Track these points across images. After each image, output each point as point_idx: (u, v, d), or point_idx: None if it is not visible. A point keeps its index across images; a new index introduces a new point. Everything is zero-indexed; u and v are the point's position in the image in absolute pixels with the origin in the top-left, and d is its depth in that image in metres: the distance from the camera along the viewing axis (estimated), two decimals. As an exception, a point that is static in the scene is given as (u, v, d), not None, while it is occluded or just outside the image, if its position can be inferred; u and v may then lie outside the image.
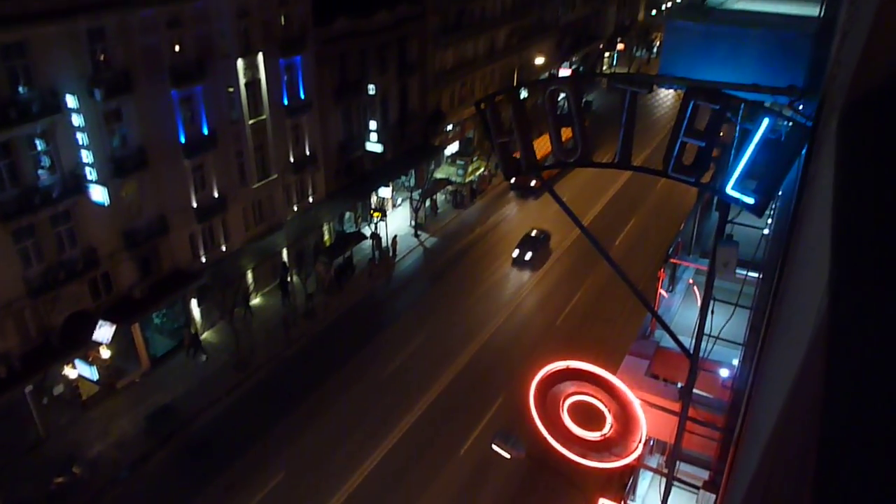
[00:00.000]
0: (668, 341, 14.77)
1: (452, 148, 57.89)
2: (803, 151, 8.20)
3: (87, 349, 31.16)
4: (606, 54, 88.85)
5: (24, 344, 30.00)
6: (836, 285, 2.45)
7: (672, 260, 20.23)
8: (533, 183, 52.75)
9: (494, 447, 17.15)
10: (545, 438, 12.77)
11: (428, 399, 32.62)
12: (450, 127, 56.78)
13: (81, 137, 29.60)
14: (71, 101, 28.77)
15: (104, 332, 30.68)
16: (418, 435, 30.54)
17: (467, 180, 54.82)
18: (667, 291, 20.25)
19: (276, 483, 28.34)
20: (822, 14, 11.62)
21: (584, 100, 10.19)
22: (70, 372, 31.59)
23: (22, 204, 28.48)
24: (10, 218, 28.17)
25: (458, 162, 56.31)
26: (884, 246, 2.41)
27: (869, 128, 3.36)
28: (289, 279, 41.97)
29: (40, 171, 29.46)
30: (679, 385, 12.66)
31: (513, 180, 51.87)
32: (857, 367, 2.06)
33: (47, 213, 29.61)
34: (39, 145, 29.20)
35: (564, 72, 73.00)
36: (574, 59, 78.50)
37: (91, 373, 31.78)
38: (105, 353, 31.53)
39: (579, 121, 9.77)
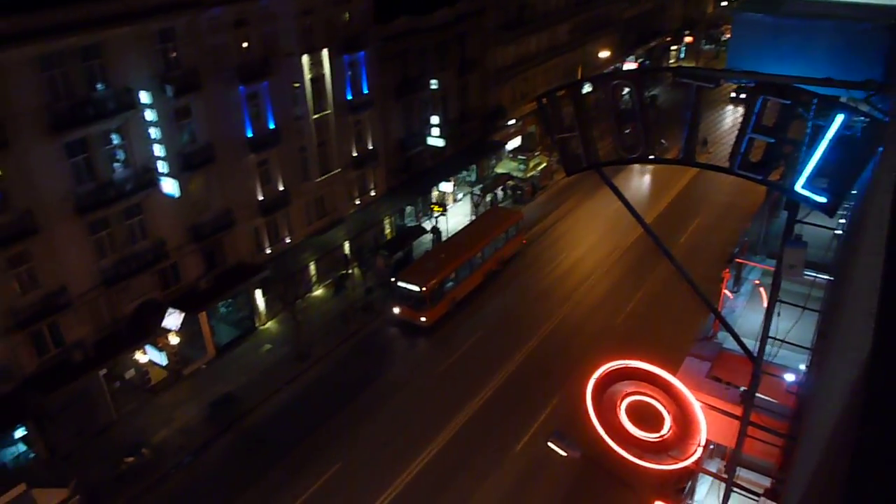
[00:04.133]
0: (731, 343, 14.41)
1: (514, 143, 57.64)
2: (880, 149, 7.87)
3: (156, 336, 32.27)
4: (673, 48, 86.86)
5: (98, 331, 31.32)
6: (886, 294, 2.34)
7: (738, 260, 19.72)
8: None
9: (550, 445, 17.05)
10: (601, 438, 12.62)
11: (485, 394, 32.63)
12: (511, 122, 56.53)
13: (154, 132, 30.68)
14: (144, 97, 29.83)
15: (173, 319, 31.70)
16: (474, 430, 30.58)
17: (528, 175, 54.49)
18: (731, 292, 19.75)
19: (332, 473, 28.81)
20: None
21: (648, 94, 9.96)
22: (141, 357, 32.79)
23: (98, 197, 29.70)
24: (86, 210, 29.42)
25: (519, 157, 56.02)
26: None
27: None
28: (348, 273, 42.58)
29: (115, 165, 30.65)
30: (741, 389, 12.32)
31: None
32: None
33: (121, 206, 30.80)
34: (115, 140, 30.38)
35: (629, 66, 71.76)
36: (639, 53, 77.07)
37: (161, 358, 32.89)
38: (174, 340, 32.57)
39: (643, 116, 9.61)
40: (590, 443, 13.87)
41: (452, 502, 26.96)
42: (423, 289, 37.03)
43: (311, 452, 30.08)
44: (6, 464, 29.18)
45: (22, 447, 30.01)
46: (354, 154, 42.42)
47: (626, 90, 9.79)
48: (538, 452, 27.96)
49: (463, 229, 44.55)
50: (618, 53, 69.65)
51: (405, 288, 37.67)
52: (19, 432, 29.63)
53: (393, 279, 38.97)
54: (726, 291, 19.26)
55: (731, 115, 67.92)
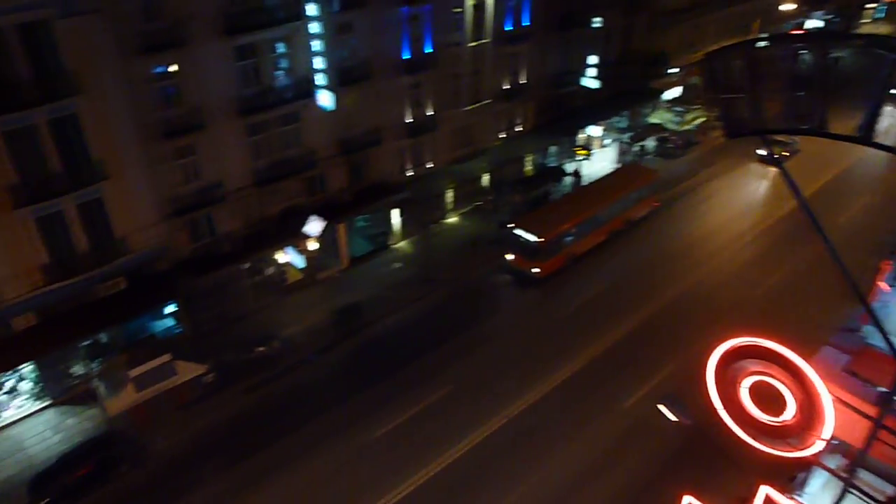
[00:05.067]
0: (876, 339, 13.42)
1: (673, 93, 54.79)
2: None
3: (297, 240, 34.13)
4: (871, 5, 78.07)
5: (246, 227, 33.58)
6: None
7: (902, 251, 18.10)
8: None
9: (661, 408, 16.82)
10: (717, 411, 12.26)
11: (597, 349, 32.32)
12: (673, 71, 53.66)
13: (316, 45, 31.71)
14: (311, 9, 30.76)
15: (314, 226, 33.35)
16: (583, 380, 30.50)
17: (682, 129, 51.90)
18: (889, 286, 18.23)
19: (443, 394, 29.83)
20: None
21: (831, 56, 9.12)
22: (281, 258, 34.96)
23: (259, 102, 31.36)
24: (248, 113, 31.19)
25: (675, 108, 53.37)
26: None
27: None
28: (484, 205, 42.83)
29: (277, 74, 32.07)
30: (880, 389, 11.51)
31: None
32: None
33: (279, 113, 32.37)
34: (280, 49, 31.68)
35: (814, 24, 65.66)
36: (827, 10, 70.14)
37: (299, 261, 34.89)
38: (312, 246, 34.35)
39: (821, 84, 8.86)
40: (703, 414, 13.52)
41: (551, 445, 27.31)
42: (542, 240, 36.22)
43: (426, 370, 31.22)
44: (156, 335, 32.38)
45: (171, 322, 33.15)
46: (506, 87, 41.98)
47: (806, 52, 9.02)
48: (647, 413, 27.58)
49: (593, 183, 43.06)
50: (803, 7, 63.76)
51: (521, 236, 36.90)
52: (170, 308, 32.70)
53: (510, 225, 37.77)
54: (882, 283, 17.79)
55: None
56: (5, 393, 29.64)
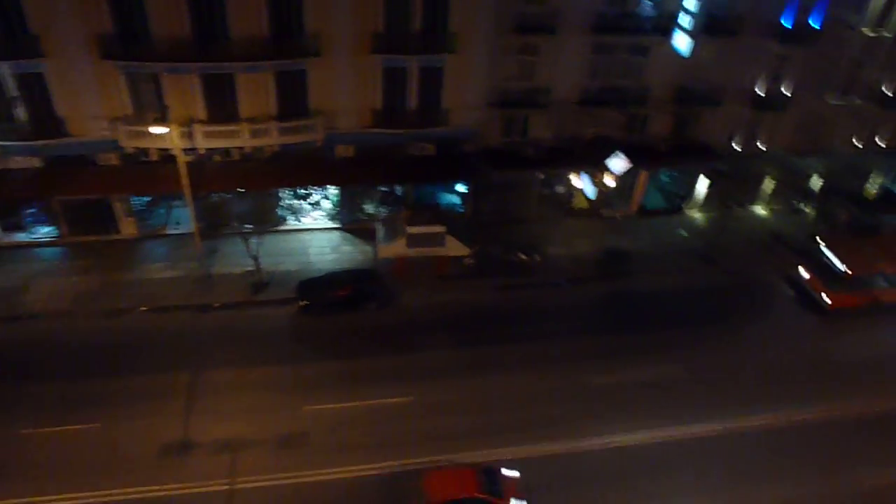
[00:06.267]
0: None
1: None
2: None
3: (598, 170, 33.88)
4: None
5: (556, 140, 34.12)
6: None
7: None
8: None
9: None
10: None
11: (872, 407, 28.25)
12: None
13: (695, -17, 30.04)
14: (706, -56, 28.98)
15: (619, 163, 32.71)
16: (829, 433, 27.11)
17: None
18: None
19: (671, 373, 28.52)
20: None
21: None
22: (575, 181, 35.14)
23: (616, 23, 30.88)
24: (601, 31, 30.94)
25: None
26: None
27: None
28: (800, 205, 38.72)
29: (645, 1, 31.06)
30: None
31: None
32: None
33: (630, 41, 31.65)
34: (657, -24, 30.56)
35: None
36: None
37: (590, 191, 34.78)
38: (609, 182, 33.88)
39: None
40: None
41: (748, 478, 25.07)
42: (849, 272, 31.94)
43: (660, 343, 29.98)
44: (440, 206, 34.90)
45: (456, 200, 35.45)
46: (889, 91, 36.37)
47: None
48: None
49: None
50: None
51: (828, 258, 32.87)
52: (461, 188, 34.89)
53: (821, 240, 33.90)
54: None
55: None
56: (311, 204, 34.49)
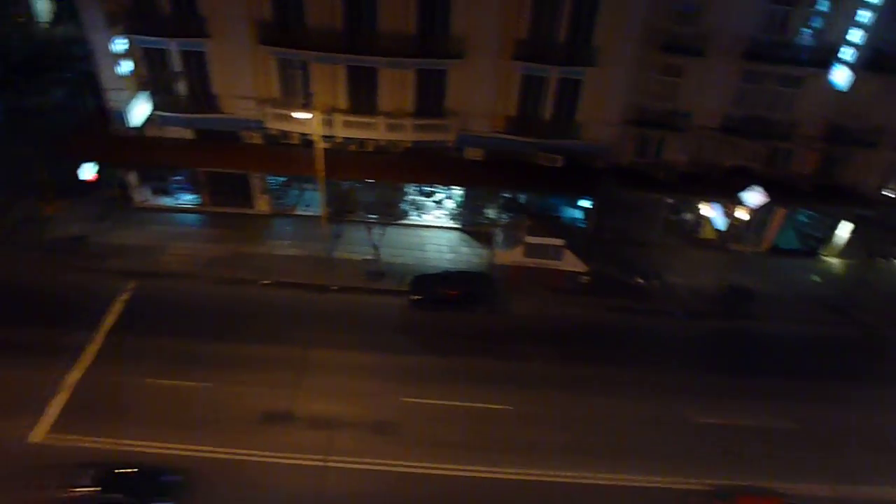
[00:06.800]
0: None
1: None
2: None
3: (731, 202, 32.34)
4: None
5: (690, 166, 32.97)
6: None
7: None
8: None
9: None
10: None
11: None
12: None
13: (864, 14, 28.16)
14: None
15: (755, 196, 30.93)
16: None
17: None
18: None
19: (783, 426, 26.72)
20: None
21: None
22: (705, 209, 33.73)
23: (770, 52, 29.46)
24: (753, 58, 29.61)
25: None
26: None
27: None
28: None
29: (805, 30, 29.47)
30: None
31: None
32: None
33: (783, 71, 30.11)
34: (819, 6, 28.82)
35: None
36: None
37: (720, 222, 33.21)
38: (742, 215, 32.17)
39: None
40: None
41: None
42: None
43: (774, 393, 28.08)
44: (562, 219, 34.57)
45: (579, 215, 35.00)
46: None
47: None
48: None
49: None
50: None
51: None
52: (585, 203, 34.41)
53: None
54: None
55: None
56: (435, 202, 35.13)
